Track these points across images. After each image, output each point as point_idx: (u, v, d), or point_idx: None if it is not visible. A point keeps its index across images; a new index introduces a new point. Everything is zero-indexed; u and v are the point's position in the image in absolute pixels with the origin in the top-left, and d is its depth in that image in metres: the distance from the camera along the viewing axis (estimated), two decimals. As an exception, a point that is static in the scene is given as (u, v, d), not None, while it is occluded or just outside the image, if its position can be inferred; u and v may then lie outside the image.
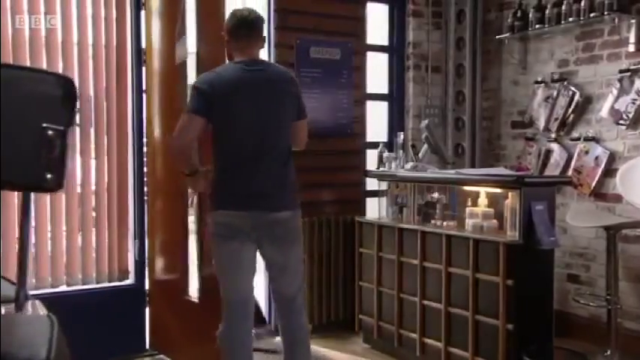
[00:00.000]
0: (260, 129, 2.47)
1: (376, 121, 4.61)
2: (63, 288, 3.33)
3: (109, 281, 3.46)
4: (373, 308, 3.69)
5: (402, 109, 4.51)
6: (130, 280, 3.54)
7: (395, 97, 4.52)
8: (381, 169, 3.78)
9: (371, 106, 4.44)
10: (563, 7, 3.82)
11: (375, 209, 3.94)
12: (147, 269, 3.57)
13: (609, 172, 3.73)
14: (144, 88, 3.53)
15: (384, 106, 4.56)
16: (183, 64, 3.16)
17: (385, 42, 4.51)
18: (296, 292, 2.61)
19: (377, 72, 4.52)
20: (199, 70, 2.91)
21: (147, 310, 3.59)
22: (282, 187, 2.51)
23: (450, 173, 3.21)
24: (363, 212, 4.16)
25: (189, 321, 3.17)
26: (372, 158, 4.09)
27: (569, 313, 3.94)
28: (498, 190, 3.04)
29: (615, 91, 3.66)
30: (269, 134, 2.48)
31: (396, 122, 4.50)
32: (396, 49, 4.50)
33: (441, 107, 4.53)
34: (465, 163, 4.42)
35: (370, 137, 4.34)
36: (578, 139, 3.88)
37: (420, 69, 4.49)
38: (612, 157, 3.71)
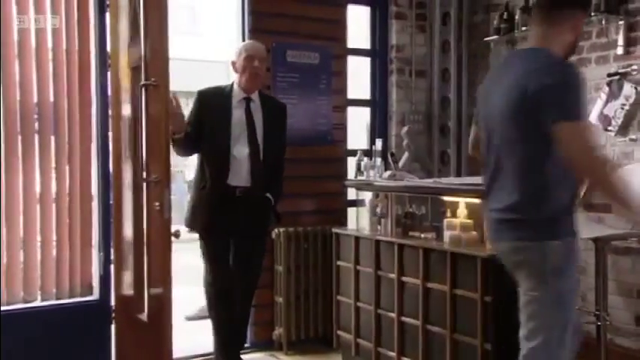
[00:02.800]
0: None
1: (360, 128, 4.46)
2: (19, 305, 3.15)
3: (71, 297, 3.29)
4: (351, 324, 3.51)
5: (385, 116, 4.35)
6: (94, 296, 3.37)
7: (378, 103, 4.36)
8: (358, 177, 3.61)
9: (353, 112, 4.29)
10: (550, 8, 3.66)
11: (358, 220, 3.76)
12: (112, 284, 3.40)
13: (599, 180, 3.54)
14: (109, 92, 3.37)
15: (367, 112, 4.40)
16: (138, 67, 3.01)
17: (367, 45, 4.35)
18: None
19: (359, 77, 4.36)
20: (147, 73, 2.74)
21: (112, 328, 3.41)
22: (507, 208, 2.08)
23: (427, 182, 3.04)
24: (344, 223, 3.99)
25: (142, 342, 2.99)
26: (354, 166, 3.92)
27: (559, 328, 3.75)
28: (477, 201, 2.86)
29: (604, 96, 3.49)
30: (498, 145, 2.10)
31: (379, 129, 4.33)
32: (378, 53, 4.34)
33: (426, 113, 4.36)
34: (450, 172, 4.25)
35: (353, 145, 4.18)
36: (567, 145, 3.70)
37: (403, 73, 4.33)
38: (602, 165, 3.53)
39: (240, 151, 3.07)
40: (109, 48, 3.33)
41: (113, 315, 3.38)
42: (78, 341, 3.26)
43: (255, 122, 3.12)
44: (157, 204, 2.63)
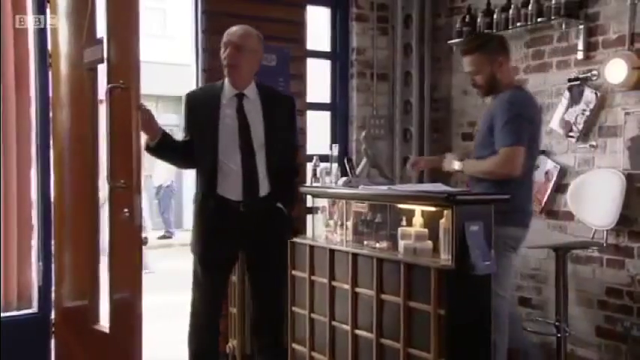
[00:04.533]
0: None
1: (322, 132, 4.34)
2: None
3: (6, 310, 3.09)
4: (306, 337, 3.37)
5: (345, 120, 4.23)
6: (33, 309, 3.18)
7: (338, 107, 4.24)
8: (314, 184, 3.48)
9: (314, 116, 4.16)
10: (511, 12, 3.59)
11: (317, 227, 3.63)
12: (53, 295, 3.21)
13: (560, 187, 3.48)
14: (50, 94, 3.19)
15: (327, 116, 4.28)
16: (93, 70, 2.91)
17: (327, 48, 4.23)
18: None
19: (319, 80, 4.24)
20: (113, 74, 2.65)
21: (52, 342, 3.22)
22: None
23: (381, 189, 2.92)
24: (303, 231, 3.85)
25: (99, 354, 2.84)
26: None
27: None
28: (433, 209, 2.75)
29: (565, 101, 3.43)
30: None
31: (339, 134, 4.21)
32: (339, 56, 4.23)
33: (388, 118, 4.26)
34: (412, 178, 4.15)
35: (315, 150, 4.05)
36: (529, 152, 3.63)
37: (364, 77, 4.22)
38: (563, 172, 3.46)
39: (232, 158, 2.68)
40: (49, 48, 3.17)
41: (53, 329, 3.21)
42: (15, 357, 3.06)
43: (251, 123, 2.70)
44: (126, 210, 2.55)
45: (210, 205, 2.71)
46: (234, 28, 2.81)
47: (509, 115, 2.69)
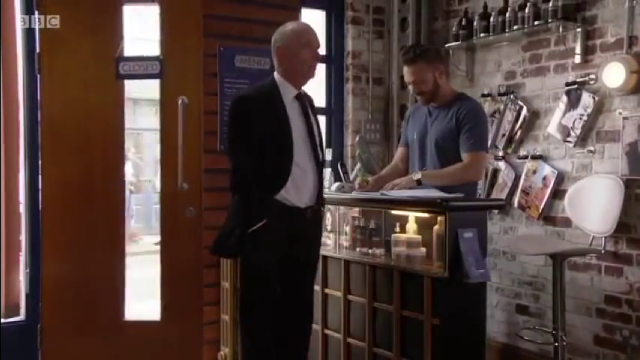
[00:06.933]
0: None
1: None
2: None
3: (-6, 319, 3.05)
4: (298, 345, 3.31)
5: (341, 124, 4.18)
6: (21, 317, 3.12)
7: (334, 111, 4.18)
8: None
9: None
10: (508, 15, 3.53)
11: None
12: (41, 302, 3.15)
13: (558, 193, 3.41)
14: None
15: (322, 120, 4.22)
16: (122, 82, 3.17)
17: (322, 51, 4.17)
18: None
19: (313, 84, 4.18)
20: (166, 90, 3.16)
21: (39, 351, 3.16)
22: None
23: (373, 195, 2.86)
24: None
25: (144, 343, 3.13)
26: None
27: (519, 347, 3.60)
28: (427, 215, 2.69)
29: (562, 106, 3.36)
30: None
31: (334, 138, 4.16)
32: (334, 59, 4.17)
33: (384, 122, 4.20)
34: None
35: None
36: (526, 157, 3.57)
37: (360, 80, 4.16)
38: (561, 177, 3.40)
39: (304, 163, 2.50)
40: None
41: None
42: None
43: (312, 125, 2.56)
44: (191, 208, 3.19)
45: (274, 210, 2.45)
46: (311, 27, 2.67)
47: (480, 122, 2.84)
